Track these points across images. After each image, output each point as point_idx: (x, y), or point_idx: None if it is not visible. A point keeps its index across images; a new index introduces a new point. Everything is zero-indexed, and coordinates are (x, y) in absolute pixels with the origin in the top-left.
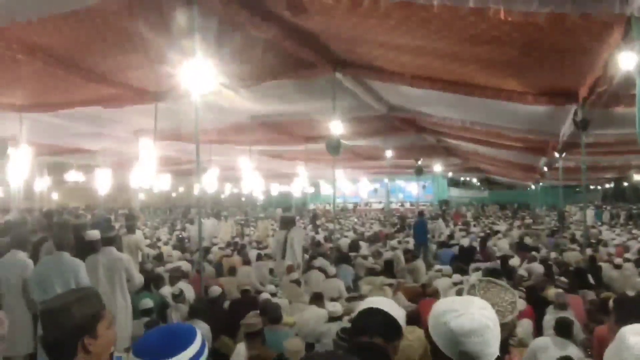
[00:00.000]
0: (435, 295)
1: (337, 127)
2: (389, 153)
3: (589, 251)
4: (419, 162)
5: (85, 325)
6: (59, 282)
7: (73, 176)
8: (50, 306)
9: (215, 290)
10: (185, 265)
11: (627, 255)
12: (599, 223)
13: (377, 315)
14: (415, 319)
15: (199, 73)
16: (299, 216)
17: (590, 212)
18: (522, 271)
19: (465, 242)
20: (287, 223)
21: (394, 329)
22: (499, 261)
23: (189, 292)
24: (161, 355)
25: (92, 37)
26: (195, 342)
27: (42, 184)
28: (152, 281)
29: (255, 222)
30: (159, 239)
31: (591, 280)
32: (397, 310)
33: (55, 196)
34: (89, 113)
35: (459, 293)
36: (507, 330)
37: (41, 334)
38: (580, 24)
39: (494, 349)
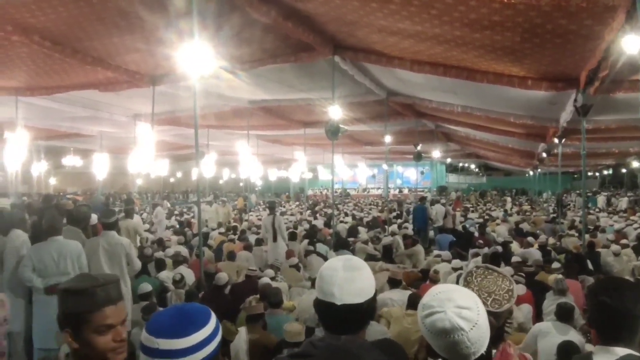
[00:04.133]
0: (437, 281)
1: (336, 112)
2: (387, 138)
3: (587, 237)
4: (418, 148)
5: (67, 318)
6: (61, 266)
7: (70, 160)
8: (66, 283)
9: (222, 277)
10: (184, 250)
11: (624, 242)
12: (597, 209)
13: (332, 309)
14: (417, 302)
15: (197, 56)
16: (297, 201)
17: (602, 198)
18: (518, 257)
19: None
20: (273, 208)
21: (356, 319)
22: (497, 247)
23: (189, 277)
24: (176, 335)
25: (88, 19)
26: (210, 322)
27: (39, 168)
28: (155, 265)
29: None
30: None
31: (590, 266)
32: (358, 284)
33: (52, 181)
34: (86, 97)
35: (458, 279)
36: (503, 319)
37: None
38: (584, 7)
39: (473, 350)
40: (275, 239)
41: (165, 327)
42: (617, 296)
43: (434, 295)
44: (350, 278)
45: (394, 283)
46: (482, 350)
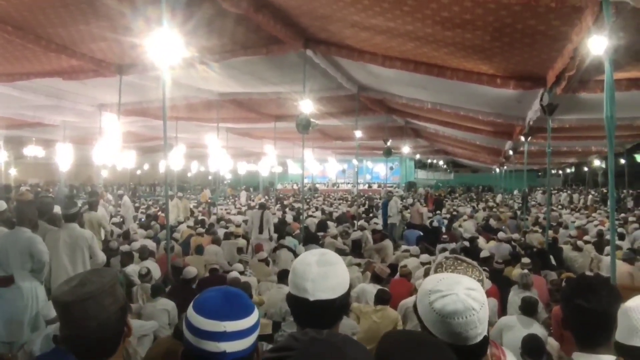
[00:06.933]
0: (408, 275)
1: (307, 106)
2: (358, 133)
3: (550, 233)
4: (388, 143)
5: (126, 307)
6: (15, 257)
7: (32, 151)
8: (83, 294)
9: (191, 271)
10: (151, 244)
11: (586, 238)
12: (560, 206)
13: (304, 305)
14: (385, 298)
15: (166, 45)
16: (266, 195)
17: (565, 196)
18: (486, 252)
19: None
20: (262, 205)
21: (329, 315)
22: (464, 242)
23: (156, 271)
24: (239, 315)
25: (52, 5)
26: (255, 309)
27: None
28: (122, 259)
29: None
30: (123, 217)
31: (553, 261)
32: (329, 280)
33: (13, 171)
34: (49, 85)
35: (427, 273)
36: None
37: (71, 333)
38: (553, 7)
39: (480, 330)
40: (261, 231)
41: (226, 309)
42: (594, 298)
43: (438, 281)
44: (324, 273)
45: (378, 280)
46: (485, 331)
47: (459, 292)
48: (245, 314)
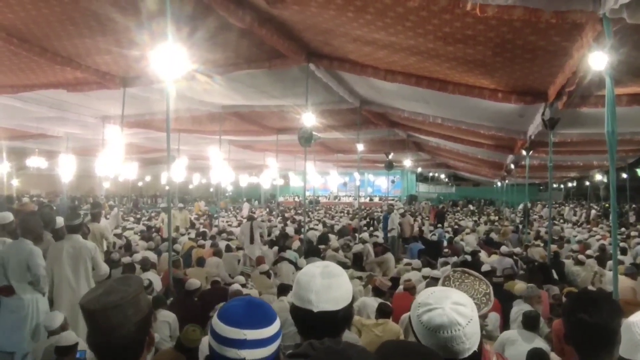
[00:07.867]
0: (412, 289)
1: (309, 119)
2: (360, 146)
3: (553, 247)
4: (390, 157)
5: (150, 317)
6: (13, 269)
7: (35, 162)
8: (107, 303)
9: (194, 283)
10: (152, 255)
11: (588, 252)
12: (562, 220)
13: (308, 316)
14: (387, 311)
15: (170, 58)
16: (268, 208)
17: (569, 210)
18: (487, 266)
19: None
20: (252, 217)
21: (332, 326)
22: (466, 256)
23: (157, 283)
24: (261, 324)
25: (59, 18)
26: (277, 319)
27: (1, 169)
28: (123, 271)
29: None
30: (125, 228)
31: (555, 275)
32: (331, 292)
33: (15, 182)
34: (53, 96)
35: (429, 286)
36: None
37: (97, 340)
38: (553, 24)
39: (468, 345)
40: (252, 241)
41: (248, 318)
42: (596, 312)
43: (429, 294)
44: (328, 285)
45: (379, 293)
46: (475, 347)
47: (445, 307)
48: (267, 323)
